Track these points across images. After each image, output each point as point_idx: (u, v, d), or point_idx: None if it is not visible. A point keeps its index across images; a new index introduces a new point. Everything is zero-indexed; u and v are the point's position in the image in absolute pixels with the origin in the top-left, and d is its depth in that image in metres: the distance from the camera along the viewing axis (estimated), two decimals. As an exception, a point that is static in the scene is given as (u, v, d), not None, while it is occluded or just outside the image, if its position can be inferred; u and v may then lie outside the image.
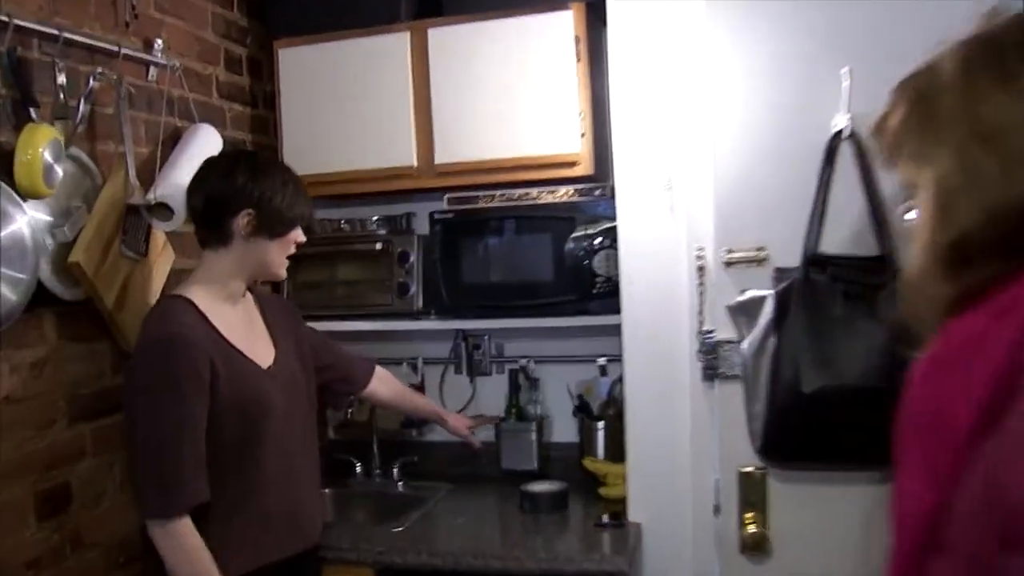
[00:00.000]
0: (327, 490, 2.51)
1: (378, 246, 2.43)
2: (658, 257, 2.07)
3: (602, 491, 2.30)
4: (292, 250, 1.76)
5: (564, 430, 2.58)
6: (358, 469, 2.59)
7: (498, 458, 2.50)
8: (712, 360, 1.98)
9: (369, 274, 2.46)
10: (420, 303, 2.41)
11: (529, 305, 2.33)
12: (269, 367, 1.73)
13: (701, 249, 1.99)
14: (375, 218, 2.51)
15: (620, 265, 2.11)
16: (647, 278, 2.08)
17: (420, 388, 2.65)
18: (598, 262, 2.25)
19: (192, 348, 1.56)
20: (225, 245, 1.68)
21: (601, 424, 2.42)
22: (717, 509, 2.00)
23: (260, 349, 1.75)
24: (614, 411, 2.44)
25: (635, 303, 2.10)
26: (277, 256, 1.74)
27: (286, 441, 1.71)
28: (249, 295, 1.81)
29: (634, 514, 2.12)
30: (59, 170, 1.67)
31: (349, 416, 2.56)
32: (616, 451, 2.37)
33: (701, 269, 1.99)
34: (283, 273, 1.77)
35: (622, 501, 2.16)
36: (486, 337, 2.62)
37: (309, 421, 1.85)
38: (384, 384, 2.23)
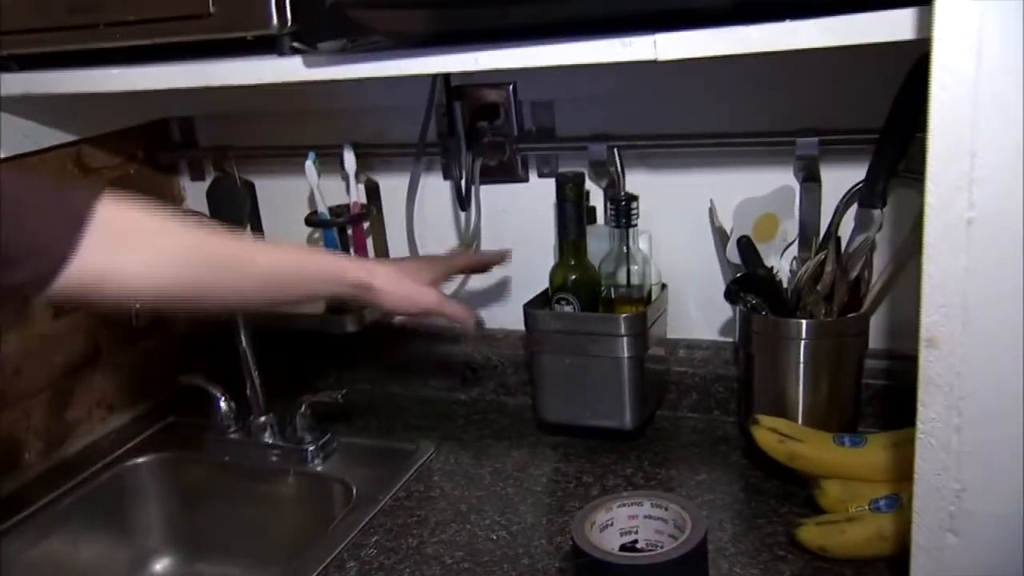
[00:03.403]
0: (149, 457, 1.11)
1: None
2: None
3: (802, 531, 0.82)
4: None
5: (696, 322, 1.09)
6: (222, 406, 1.12)
7: (532, 391, 1.03)
8: None
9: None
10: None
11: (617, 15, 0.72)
12: None
13: None
14: None
15: None
16: None
17: (359, 218, 1.12)
18: None
19: None
20: None
21: (805, 328, 0.91)
22: None
23: None
24: (846, 289, 0.93)
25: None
26: None
27: None
28: None
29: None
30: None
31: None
32: (830, 404, 0.93)
33: None
34: None
35: (868, 564, 0.76)
36: (510, 88, 1.05)
37: None
38: (148, 241, 0.67)
